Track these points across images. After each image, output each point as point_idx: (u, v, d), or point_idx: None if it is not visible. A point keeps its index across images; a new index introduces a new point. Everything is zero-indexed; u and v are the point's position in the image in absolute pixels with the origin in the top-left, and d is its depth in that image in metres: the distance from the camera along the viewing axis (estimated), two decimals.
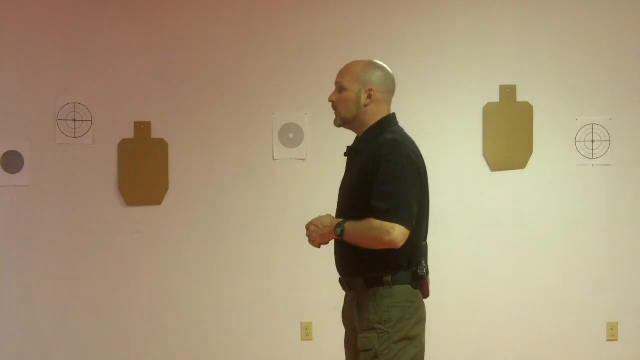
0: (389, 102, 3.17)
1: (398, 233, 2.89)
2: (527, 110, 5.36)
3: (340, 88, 3.12)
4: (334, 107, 3.15)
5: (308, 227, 3.11)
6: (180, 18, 5.35)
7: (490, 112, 5.36)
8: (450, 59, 5.36)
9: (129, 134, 5.30)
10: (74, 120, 5.28)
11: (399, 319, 2.96)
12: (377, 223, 2.90)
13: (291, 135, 5.32)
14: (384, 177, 2.94)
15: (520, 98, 5.37)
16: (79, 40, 5.30)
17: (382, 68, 3.16)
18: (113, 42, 5.31)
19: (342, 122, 3.15)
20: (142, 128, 5.30)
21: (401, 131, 3.14)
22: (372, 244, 2.94)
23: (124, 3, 5.33)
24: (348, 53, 5.27)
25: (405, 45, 5.37)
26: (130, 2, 5.33)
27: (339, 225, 3.00)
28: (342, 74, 3.15)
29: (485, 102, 5.36)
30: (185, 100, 5.34)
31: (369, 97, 3.09)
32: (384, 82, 3.14)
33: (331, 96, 3.15)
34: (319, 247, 3.16)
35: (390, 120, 3.14)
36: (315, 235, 3.09)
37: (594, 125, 5.38)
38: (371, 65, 3.15)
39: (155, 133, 5.32)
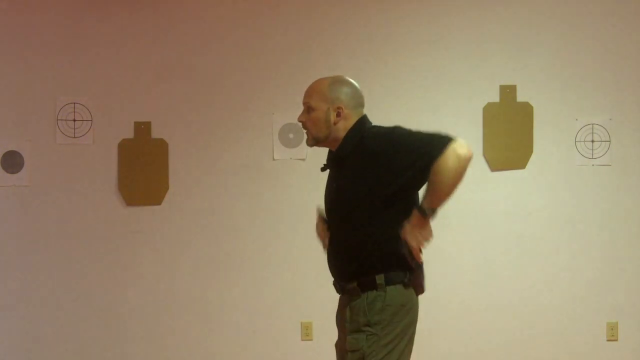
0: (359, 116, 3.12)
1: (459, 147, 2.88)
2: (527, 110, 5.36)
3: (308, 108, 3.10)
4: (304, 127, 3.13)
5: (420, 246, 3.00)
6: (180, 18, 5.35)
7: (490, 112, 5.36)
8: (450, 59, 5.36)
9: (129, 134, 5.30)
10: (74, 120, 5.28)
11: (389, 322, 2.95)
12: (443, 162, 2.86)
13: (291, 135, 5.32)
14: (402, 144, 2.93)
15: (520, 98, 5.37)
16: (79, 40, 5.30)
17: (348, 83, 3.12)
18: (113, 42, 5.31)
19: (314, 141, 3.13)
20: (142, 128, 5.30)
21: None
22: (459, 177, 2.91)
23: (124, 3, 5.33)
24: (348, 53, 5.32)
25: (405, 45, 5.37)
26: (130, 3, 5.33)
27: (422, 211, 2.91)
28: (309, 93, 3.12)
29: (485, 102, 5.36)
30: (185, 100, 5.34)
31: (338, 115, 3.07)
32: (351, 97, 3.09)
33: (300, 117, 3.14)
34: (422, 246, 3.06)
35: (364, 122, 3.11)
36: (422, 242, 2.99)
37: (594, 125, 5.38)
38: (337, 82, 3.11)
39: (155, 133, 5.32)
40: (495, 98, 5.37)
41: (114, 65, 5.31)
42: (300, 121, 3.14)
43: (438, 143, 2.88)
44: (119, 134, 5.30)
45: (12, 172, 5.24)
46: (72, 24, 5.30)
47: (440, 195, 2.91)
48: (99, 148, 5.30)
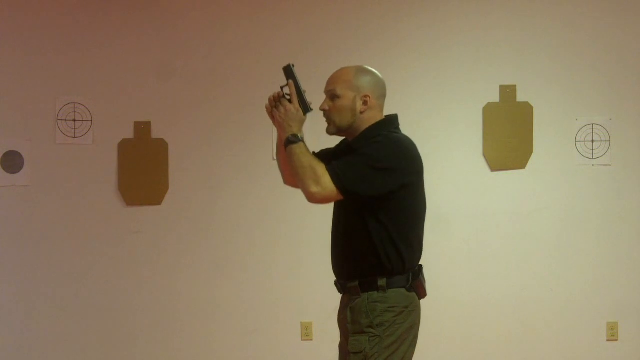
0: (382, 107, 3.11)
1: (323, 193, 2.92)
2: (527, 110, 5.36)
3: (332, 96, 3.07)
4: (327, 115, 3.09)
5: (279, 107, 3.06)
6: (180, 18, 5.35)
7: (490, 112, 5.36)
8: (451, 59, 5.36)
9: (129, 134, 5.30)
10: (74, 120, 5.28)
11: (391, 323, 2.94)
12: (319, 170, 2.92)
13: None
14: (359, 152, 2.96)
15: (520, 98, 5.36)
16: (79, 40, 5.30)
17: (372, 73, 3.10)
18: (113, 42, 5.31)
19: (336, 130, 3.09)
20: (142, 128, 5.30)
21: (403, 134, 3.10)
22: (298, 180, 2.97)
23: (124, 3, 5.33)
24: (348, 53, 5.31)
25: (406, 45, 5.37)
26: (130, 2, 5.33)
27: (295, 136, 2.98)
28: (334, 81, 3.08)
29: (485, 102, 5.36)
30: (185, 100, 5.34)
31: (365, 103, 3.04)
32: (376, 87, 3.07)
33: (323, 105, 3.09)
34: (268, 109, 3.12)
35: (392, 122, 3.10)
36: (277, 116, 3.05)
37: (594, 125, 5.38)
38: (362, 71, 3.09)
39: (155, 133, 5.32)
40: (495, 98, 5.37)
41: (114, 65, 5.31)
42: (322, 109, 3.09)
43: (337, 175, 2.91)
44: (119, 134, 5.30)
45: (12, 172, 5.24)
46: (72, 24, 5.30)
47: (293, 158, 2.97)
48: (99, 148, 5.30)
